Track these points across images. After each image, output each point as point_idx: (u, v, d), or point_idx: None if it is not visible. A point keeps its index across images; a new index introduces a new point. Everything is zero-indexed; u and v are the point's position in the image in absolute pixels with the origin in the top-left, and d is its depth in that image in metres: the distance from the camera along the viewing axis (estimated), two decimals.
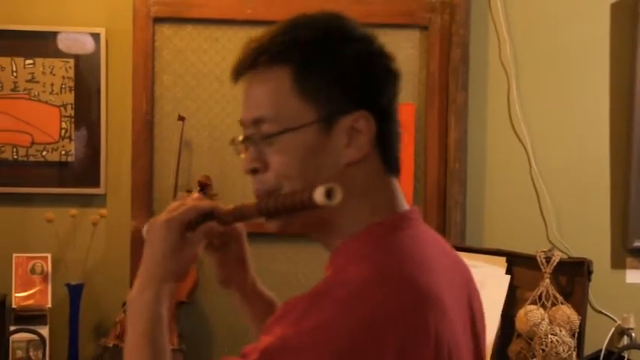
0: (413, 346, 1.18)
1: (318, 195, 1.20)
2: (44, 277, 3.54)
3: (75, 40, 3.63)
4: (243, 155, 1.38)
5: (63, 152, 3.63)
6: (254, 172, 1.34)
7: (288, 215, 1.29)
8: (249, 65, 1.33)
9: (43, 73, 3.61)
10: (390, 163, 1.34)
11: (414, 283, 1.21)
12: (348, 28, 1.34)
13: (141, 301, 1.38)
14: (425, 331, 1.19)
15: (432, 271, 1.26)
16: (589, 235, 3.73)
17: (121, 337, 3.36)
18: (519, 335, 3.20)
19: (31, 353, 3.44)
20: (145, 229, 1.49)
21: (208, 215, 1.43)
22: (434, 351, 1.20)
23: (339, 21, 1.36)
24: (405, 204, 1.36)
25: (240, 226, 1.52)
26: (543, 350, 3.12)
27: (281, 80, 1.29)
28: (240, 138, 1.38)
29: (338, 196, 1.20)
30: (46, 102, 3.62)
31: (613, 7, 3.73)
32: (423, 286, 1.22)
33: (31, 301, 3.52)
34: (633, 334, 3.58)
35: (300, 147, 1.28)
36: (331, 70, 1.29)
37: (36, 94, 3.61)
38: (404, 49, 3.70)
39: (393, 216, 1.32)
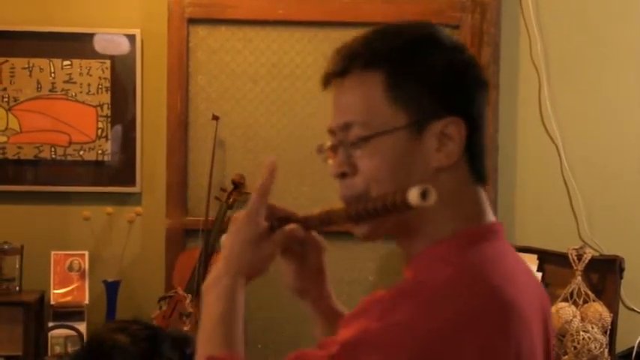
0: (492, 354, 1.18)
1: (413, 196, 1.18)
2: (82, 274, 3.60)
3: (111, 41, 3.69)
4: (330, 161, 1.37)
5: (99, 151, 3.69)
6: (342, 176, 1.33)
7: (376, 220, 1.29)
8: (341, 71, 1.32)
9: (80, 73, 3.67)
10: (478, 172, 1.32)
11: (498, 292, 1.22)
12: (439, 36, 1.33)
13: (218, 288, 1.39)
14: (506, 340, 1.20)
15: (515, 285, 1.26)
16: (621, 232, 3.73)
17: None
18: None
19: (69, 349, 3.49)
20: (222, 237, 1.48)
21: (292, 219, 1.43)
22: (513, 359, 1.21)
23: (431, 29, 1.35)
24: (491, 215, 1.34)
25: (322, 239, 1.51)
26: (575, 347, 3.13)
27: (374, 85, 1.29)
28: (328, 144, 1.37)
29: (432, 197, 1.18)
30: (83, 102, 3.68)
31: None
32: (507, 295, 1.22)
33: (68, 298, 3.58)
34: None
35: (391, 151, 1.27)
36: (423, 77, 1.28)
37: (73, 94, 3.67)
38: None
39: (480, 227, 1.31)
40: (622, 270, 3.45)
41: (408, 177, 1.26)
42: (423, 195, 1.17)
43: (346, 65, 1.30)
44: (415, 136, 1.27)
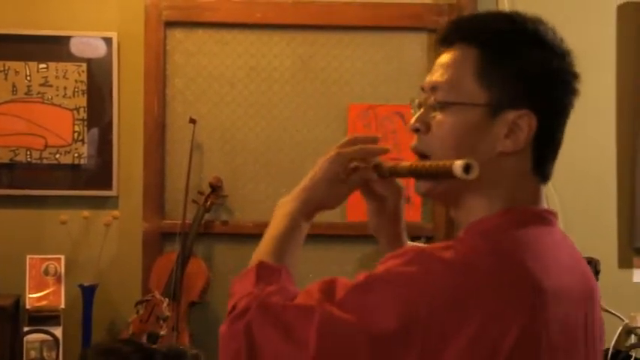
0: (494, 326, 1.23)
1: (457, 167, 1.26)
2: (57, 279, 3.58)
3: (87, 44, 3.68)
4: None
5: (76, 155, 3.68)
6: (416, 131, 1.41)
7: (433, 180, 1.38)
8: (448, 41, 1.41)
9: (56, 77, 3.66)
10: (540, 166, 1.40)
11: (522, 267, 1.27)
12: (543, 33, 1.42)
13: (286, 207, 1.51)
14: (517, 313, 1.24)
15: (548, 267, 1.31)
16: (596, 235, 3.75)
17: (133, 337, 3.40)
18: None
19: (44, 354, 3.48)
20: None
21: (368, 165, 1.52)
22: (520, 338, 1.24)
23: (538, 24, 1.43)
24: (545, 205, 1.41)
25: (400, 184, 1.59)
26: None
27: (469, 59, 1.37)
28: (419, 101, 1.45)
29: (474, 173, 1.27)
30: (59, 105, 3.67)
31: (619, 8, 3.77)
32: (530, 270, 1.27)
33: (44, 302, 3.56)
34: None
35: (464, 122, 1.36)
36: (514, 67, 1.36)
37: (49, 97, 3.66)
38: (412, 52, 3.73)
39: (529, 210, 1.38)
40: (597, 272, 3.48)
41: (471, 151, 1.33)
42: (466, 169, 1.26)
43: (452, 37, 1.40)
44: (489, 116, 1.35)
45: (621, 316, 3.69)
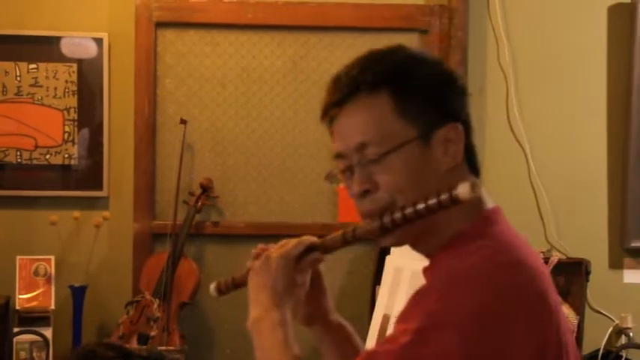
0: (538, 322, 1.30)
1: (464, 190, 1.30)
2: (48, 279, 3.57)
3: (78, 44, 3.67)
4: (341, 185, 1.49)
5: (66, 155, 3.67)
6: (365, 193, 1.42)
7: (406, 227, 1.39)
8: (346, 99, 1.42)
9: (47, 77, 3.65)
10: (473, 166, 1.47)
11: (525, 263, 1.35)
12: (420, 53, 1.48)
13: (269, 321, 1.50)
14: (545, 299, 1.33)
15: (533, 256, 1.40)
16: (587, 236, 3.76)
17: (124, 338, 3.40)
18: None
19: (34, 354, 3.46)
20: (213, 286, 1.68)
21: (312, 247, 1.54)
22: (554, 317, 1.33)
23: (410, 49, 1.48)
24: (490, 201, 1.47)
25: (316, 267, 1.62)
26: None
27: (382, 106, 1.40)
28: (340, 168, 1.46)
29: (479, 189, 1.32)
30: (50, 106, 3.66)
31: (610, 10, 3.77)
32: (532, 265, 1.36)
33: (34, 303, 3.54)
34: (631, 334, 3.61)
35: (407, 162, 1.39)
36: (422, 90, 1.41)
37: (39, 98, 3.65)
38: None
39: (485, 212, 1.44)
40: (588, 273, 3.49)
41: (425, 182, 1.39)
42: (473, 188, 1.30)
43: (350, 92, 1.42)
44: (425, 145, 1.40)
45: (612, 317, 3.70)
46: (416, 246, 1.46)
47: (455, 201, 1.32)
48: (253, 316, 1.53)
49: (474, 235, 1.38)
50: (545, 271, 1.40)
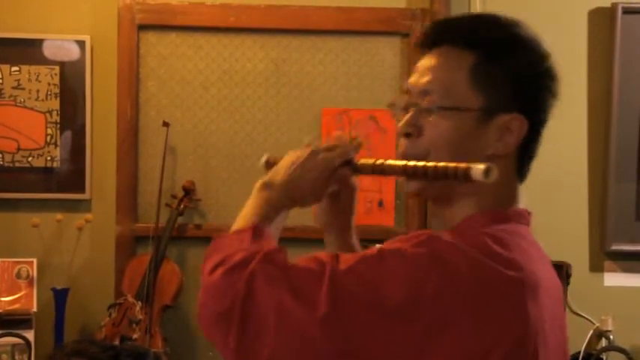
0: (498, 316, 1.26)
1: (477, 172, 1.28)
2: (30, 282, 3.56)
3: (60, 47, 3.67)
4: (397, 119, 1.46)
5: (48, 158, 3.66)
6: (407, 135, 1.42)
7: (429, 180, 1.38)
8: (440, 42, 1.42)
9: (29, 79, 3.64)
10: (522, 168, 1.45)
11: (519, 266, 1.30)
12: (528, 35, 1.45)
13: (268, 195, 1.47)
14: (519, 305, 1.28)
15: (532, 260, 1.35)
16: (567, 239, 3.77)
17: (106, 340, 3.39)
18: None
19: (16, 357, 3.46)
20: (264, 158, 1.61)
21: (347, 162, 1.51)
22: (523, 327, 1.28)
23: (522, 27, 1.46)
24: (522, 205, 1.45)
25: (354, 179, 1.60)
26: None
27: (463, 64, 1.39)
28: (403, 103, 1.45)
29: (493, 176, 1.29)
30: (32, 108, 3.65)
31: (590, 14, 3.79)
32: (526, 269, 1.31)
33: (16, 306, 3.54)
34: (611, 337, 3.63)
35: (458, 127, 1.38)
36: (509, 72, 1.39)
37: (22, 100, 3.64)
38: (385, 56, 3.75)
39: (512, 209, 1.42)
40: (569, 276, 3.51)
41: (464, 154, 1.36)
42: (487, 173, 1.28)
43: (444, 38, 1.41)
44: (483, 120, 1.38)
45: (592, 320, 3.72)
46: (435, 207, 1.47)
47: (466, 176, 1.30)
48: (264, 181, 1.50)
49: (482, 223, 1.37)
50: (547, 285, 1.36)
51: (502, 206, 1.41)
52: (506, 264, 1.28)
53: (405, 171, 1.40)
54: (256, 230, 1.41)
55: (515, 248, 1.33)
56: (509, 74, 1.39)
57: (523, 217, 1.44)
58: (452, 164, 1.33)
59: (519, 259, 1.31)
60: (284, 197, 1.47)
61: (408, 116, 1.42)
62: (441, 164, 1.34)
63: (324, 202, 1.58)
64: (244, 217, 1.46)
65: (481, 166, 1.28)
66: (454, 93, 1.38)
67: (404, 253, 1.27)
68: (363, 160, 1.50)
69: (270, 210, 1.46)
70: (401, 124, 1.42)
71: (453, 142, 1.37)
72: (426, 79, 1.41)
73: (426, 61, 1.43)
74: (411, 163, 1.39)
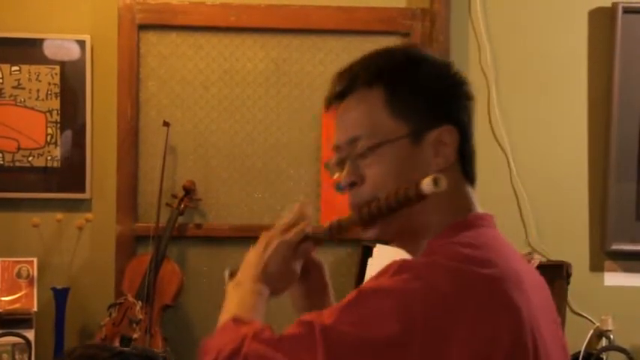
0: (489, 315, 1.27)
1: (427, 184, 1.31)
2: (30, 281, 3.56)
3: (60, 46, 3.67)
4: (336, 175, 1.50)
5: (49, 157, 3.66)
6: (352, 185, 1.45)
7: (385, 219, 1.41)
8: (344, 92, 1.46)
9: (29, 79, 3.64)
10: (468, 172, 1.49)
11: (494, 263, 1.32)
12: (427, 55, 1.49)
13: (249, 287, 1.50)
14: (507, 301, 1.29)
15: (509, 259, 1.37)
16: (568, 239, 3.78)
17: (106, 340, 3.40)
18: None
19: (16, 357, 3.46)
20: (227, 272, 1.62)
21: (306, 237, 1.55)
22: (517, 322, 1.29)
23: (417, 49, 1.52)
24: (479, 209, 1.48)
25: (319, 258, 1.63)
26: None
27: (375, 101, 1.42)
28: (334, 160, 1.49)
29: (443, 184, 1.32)
30: (32, 108, 3.65)
31: (591, 14, 3.79)
32: (502, 265, 1.33)
33: (16, 305, 3.54)
34: (612, 336, 3.63)
35: (394, 158, 1.41)
36: (418, 90, 1.43)
37: (22, 100, 3.64)
38: None
39: (472, 215, 1.44)
40: (569, 275, 3.51)
41: (410, 181, 1.38)
42: (435, 182, 1.31)
43: (349, 86, 1.45)
44: (415, 143, 1.41)
45: (592, 320, 3.72)
46: (400, 244, 1.48)
47: (418, 193, 1.33)
48: (236, 280, 1.54)
49: (447, 235, 1.39)
50: (531, 282, 1.38)
51: (461, 215, 1.43)
52: (480, 264, 1.31)
53: (361, 217, 1.43)
54: (237, 319, 1.43)
55: (485, 247, 1.36)
56: (420, 93, 1.43)
57: (485, 220, 1.46)
58: (400, 189, 1.36)
59: (492, 256, 1.34)
60: (257, 288, 1.51)
61: (346, 168, 1.46)
62: (391, 194, 1.38)
63: (297, 287, 1.61)
64: (223, 315, 1.48)
65: (428, 178, 1.32)
66: (379, 129, 1.41)
67: (383, 287, 1.30)
68: (319, 229, 1.54)
69: (247, 301, 1.49)
70: (343, 177, 1.46)
71: (395, 174, 1.41)
72: (349, 128, 1.45)
73: (343, 113, 1.47)
74: (364, 209, 1.42)
